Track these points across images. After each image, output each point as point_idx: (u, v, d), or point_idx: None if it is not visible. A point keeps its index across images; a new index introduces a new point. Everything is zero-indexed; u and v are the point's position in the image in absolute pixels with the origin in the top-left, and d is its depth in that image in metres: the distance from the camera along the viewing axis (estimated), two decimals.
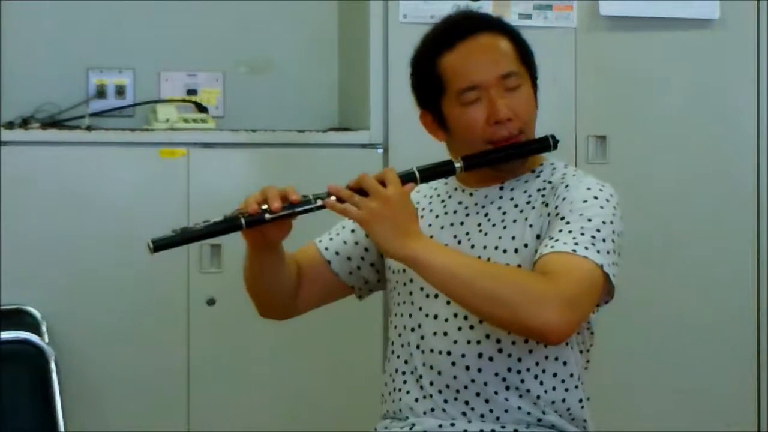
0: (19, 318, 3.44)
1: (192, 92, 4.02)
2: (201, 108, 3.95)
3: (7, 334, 2.80)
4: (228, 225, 2.15)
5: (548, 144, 2.29)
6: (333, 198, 2.16)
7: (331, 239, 2.44)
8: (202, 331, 3.64)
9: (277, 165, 3.71)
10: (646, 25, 3.87)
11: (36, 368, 2.78)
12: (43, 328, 3.46)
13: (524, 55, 2.31)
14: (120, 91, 3.97)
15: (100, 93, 3.95)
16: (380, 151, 3.74)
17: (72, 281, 3.56)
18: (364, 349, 3.66)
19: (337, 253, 2.42)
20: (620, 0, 3.83)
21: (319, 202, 2.16)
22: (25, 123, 3.73)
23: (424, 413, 2.28)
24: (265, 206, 2.15)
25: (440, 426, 2.25)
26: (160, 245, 2.15)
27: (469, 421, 2.24)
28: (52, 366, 2.78)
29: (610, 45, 3.86)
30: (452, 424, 2.24)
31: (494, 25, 2.32)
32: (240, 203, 2.18)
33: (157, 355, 3.62)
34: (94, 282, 3.57)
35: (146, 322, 3.60)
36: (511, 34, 2.31)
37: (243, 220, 2.15)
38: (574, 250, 2.12)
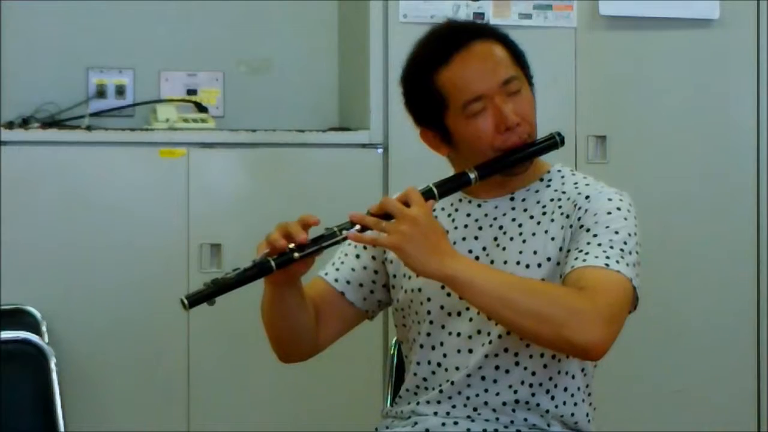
0: (19, 318, 3.44)
1: (192, 92, 4.02)
2: (201, 108, 3.95)
3: (7, 334, 2.79)
4: (259, 270, 2.11)
5: (555, 142, 2.28)
6: (357, 227, 2.12)
7: (337, 269, 2.38)
8: (202, 331, 3.64)
9: (277, 165, 3.71)
10: (646, 25, 3.87)
11: (36, 368, 2.76)
12: (43, 328, 3.47)
13: (518, 56, 2.28)
14: (120, 91, 3.97)
15: (100, 93, 3.95)
16: (380, 150, 3.74)
17: (72, 281, 3.56)
18: (364, 350, 3.65)
19: (348, 282, 2.37)
20: (620, 0, 3.84)
21: (344, 233, 2.13)
22: (25, 123, 3.73)
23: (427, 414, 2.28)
24: (291, 245, 2.11)
25: (443, 424, 2.25)
26: (194, 300, 2.11)
27: (473, 421, 2.24)
28: (52, 366, 2.77)
29: (610, 45, 3.87)
30: (456, 423, 2.24)
31: (484, 32, 2.28)
32: (261, 243, 2.13)
33: (157, 356, 3.62)
34: (94, 282, 3.57)
35: (146, 322, 3.60)
36: (502, 37, 2.29)
37: (273, 263, 2.11)
38: (607, 264, 2.12)
